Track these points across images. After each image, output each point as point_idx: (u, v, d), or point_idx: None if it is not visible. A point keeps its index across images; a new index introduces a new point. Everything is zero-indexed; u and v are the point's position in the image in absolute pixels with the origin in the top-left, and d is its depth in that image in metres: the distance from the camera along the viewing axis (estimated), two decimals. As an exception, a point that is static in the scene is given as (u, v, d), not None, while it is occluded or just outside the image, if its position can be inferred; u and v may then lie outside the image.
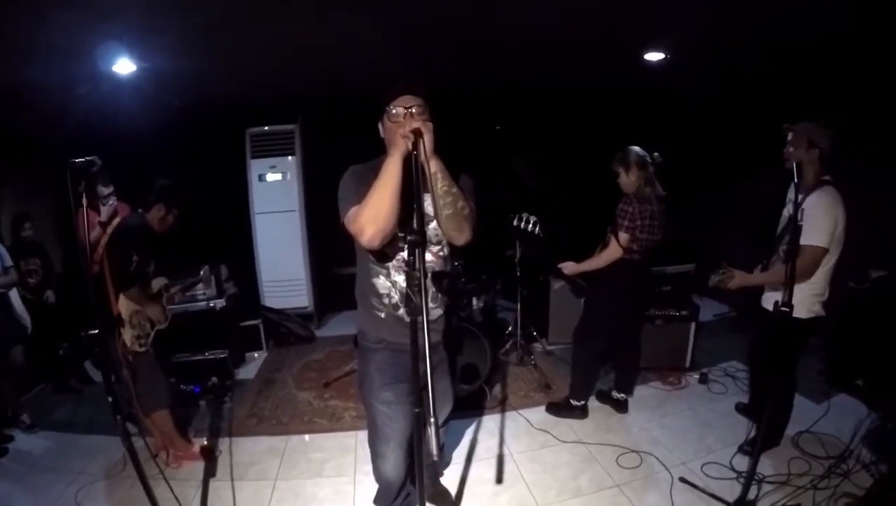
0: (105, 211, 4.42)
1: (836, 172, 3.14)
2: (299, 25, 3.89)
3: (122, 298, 3.48)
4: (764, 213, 3.80)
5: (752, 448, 3.61)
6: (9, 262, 4.41)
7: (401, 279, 2.31)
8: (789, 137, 3.18)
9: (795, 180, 2.59)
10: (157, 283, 3.82)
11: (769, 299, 3.27)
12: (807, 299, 3.13)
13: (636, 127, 5.70)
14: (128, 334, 3.49)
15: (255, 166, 6.81)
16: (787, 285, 2.61)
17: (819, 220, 2.98)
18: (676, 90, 6.09)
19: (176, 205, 3.72)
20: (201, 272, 4.33)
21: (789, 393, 3.53)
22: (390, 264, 2.33)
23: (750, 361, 3.99)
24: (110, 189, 4.50)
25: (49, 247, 5.66)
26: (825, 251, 3.03)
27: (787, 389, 3.45)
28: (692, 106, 6.70)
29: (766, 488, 3.18)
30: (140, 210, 3.71)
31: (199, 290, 5.51)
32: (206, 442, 4.16)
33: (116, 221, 3.97)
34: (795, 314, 2.92)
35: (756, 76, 5.53)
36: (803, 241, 2.87)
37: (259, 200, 6.88)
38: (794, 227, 2.68)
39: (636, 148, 3.85)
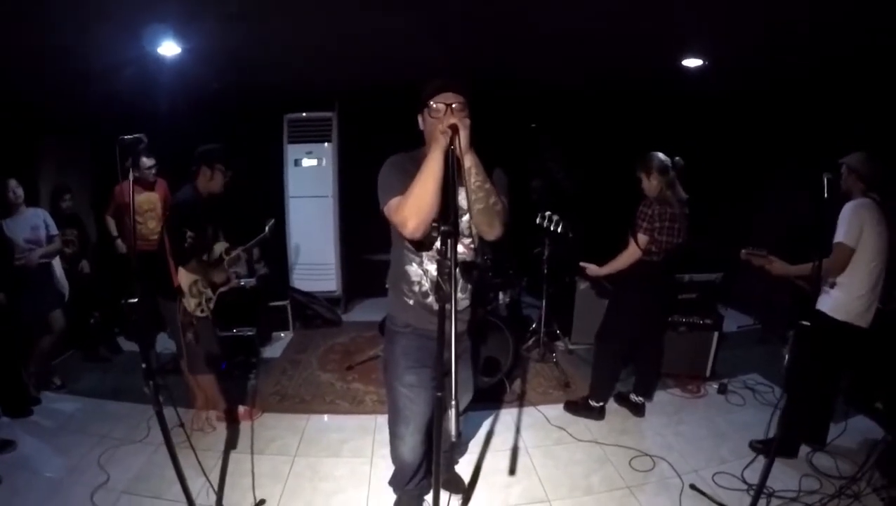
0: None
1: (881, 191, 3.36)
2: (340, 17, 3.96)
3: (181, 271, 3.65)
4: (792, 223, 3.80)
5: (763, 446, 3.72)
6: (55, 230, 4.60)
7: (432, 268, 2.39)
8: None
9: (825, 195, 2.66)
10: (218, 248, 3.96)
11: (822, 302, 3.42)
12: (851, 303, 3.33)
13: (667, 130, 5.73)
14: (190, 302, 3.69)
15: (291, 151, 6.97)
16: (813, 281, 2.90)
17: (843, 222, 3.26)
18: (710, 95, 6.06)
19: (220, 162, 3.78)
20: (266, 228, 4.42)
21: (822, 403, 3.67)
22: (424, 253, 2.40)
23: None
24: (153, 161, 4.65)
25: (85, 218, 5.86)
26: (851, 250, 3.25)
27: (818, 396, 3.60)
28: (723, 111, 6.68)
29: (775, 502, 3.17)
30: (190, 184, 3.79)
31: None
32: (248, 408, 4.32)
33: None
34: (832, 313, 3.32)
35: (792, 84, 5.50)
36: (833, 240, 3.26)
37: (294, 184, 7.05)
38: (818, 234, 2.92)
39: (658, 153, 3.89)
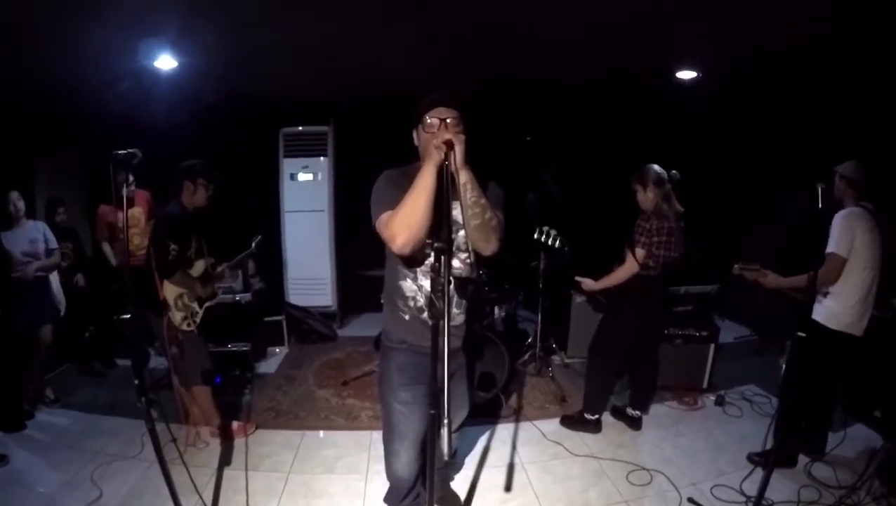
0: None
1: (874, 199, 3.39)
2: (336, 31, 4.00)
3: (166, 284, 3.68)
4: (787, 232, 3.82)
5: (761, 458, 3.69)
6: (54, 243, 4.60)
7: (426, 283, 2.34)
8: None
9: (819, 206, 2.70)
10: (202, 264, 3.97)
11: (816, 312, 3.42)
12: (844, 312, 3.35)
13: (663, 143, 5.75)
14: (176, 316, 3.71)
15: (287, 165, 6.98)
16: (808, 292, 2.90)
17: (835, 231, 3.30)
18: (704, 107, 6.09)
19: (202, 176, 3.84)
20: (253, 244, 4.44)
21: (820, 412, 3.70)
22: (418, 269, 2.38)
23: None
24: (130, 178, 4.65)
25: (81, 232, 5.85)
26: (843, 260, 3.28)
27: (815, 406, 3.63)
28: (719, 120, 6.72)
29: (774, 513, 3.17)
30: (175, 199, 3.84)
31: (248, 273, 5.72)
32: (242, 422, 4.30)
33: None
34: (825, 322, 3.34)
35: (786, 95, 5.55)
36: (826, 250, 3.29)
37: (289, 198, 7.05)
38: (813, 243, 3.06)
39: (654, 166, 3.90)
